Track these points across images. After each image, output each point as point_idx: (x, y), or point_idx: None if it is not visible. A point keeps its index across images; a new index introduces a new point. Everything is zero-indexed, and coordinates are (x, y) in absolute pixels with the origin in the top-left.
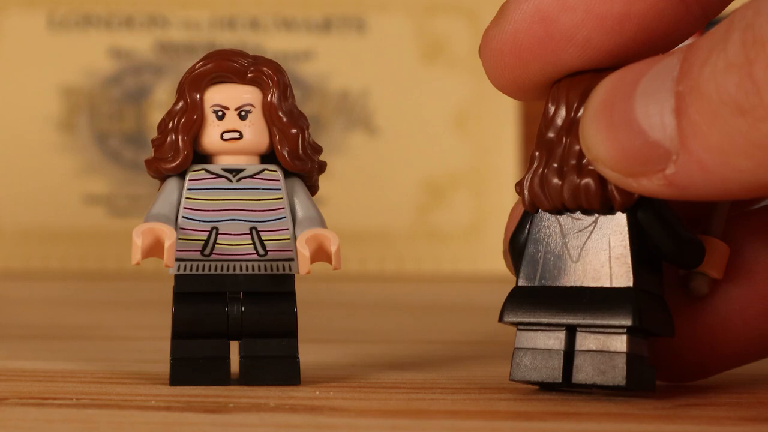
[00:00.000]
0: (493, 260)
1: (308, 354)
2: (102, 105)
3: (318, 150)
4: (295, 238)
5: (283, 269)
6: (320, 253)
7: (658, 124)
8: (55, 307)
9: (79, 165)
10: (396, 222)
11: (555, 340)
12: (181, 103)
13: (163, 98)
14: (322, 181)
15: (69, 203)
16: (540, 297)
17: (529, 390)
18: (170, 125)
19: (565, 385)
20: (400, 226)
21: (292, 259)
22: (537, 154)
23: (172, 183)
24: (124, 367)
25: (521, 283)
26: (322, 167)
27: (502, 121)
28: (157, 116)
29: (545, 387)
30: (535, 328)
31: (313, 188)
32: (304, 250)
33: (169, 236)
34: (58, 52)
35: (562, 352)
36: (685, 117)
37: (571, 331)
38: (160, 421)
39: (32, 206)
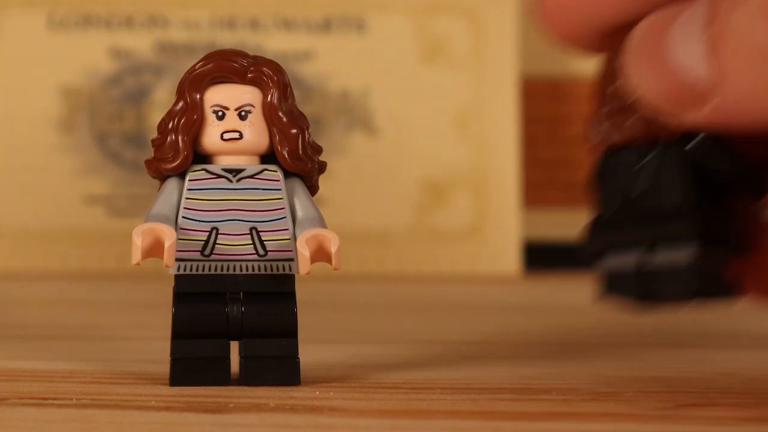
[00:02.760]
0: (493, 260)
1: (308, 354)
2: (102, 105)
3: (318, 150)
4: (295, 238)
5: (283, 269)
6: (320, 254)
7: (693, 67)
8: (55, 307)
9: (79, 165)
10: (396, 222)
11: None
12: (181, 103)
13: (163, 98)
14: (322, 181)
15: (69, 203)
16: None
17: (529, 390)
18: (170, 125)
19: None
20: (400, 226)
21: (292, 259)
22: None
23: (172, 183)
24: (124, 367)
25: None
26: (322, 167)
27: (502, 121)
28: (157, 116)
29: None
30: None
31: (313, 188)
32: (304, 251)
33: (169, 236)
34: (58, 52)
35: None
36: (720, 59)
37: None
38: (160, 421)
39: (32, 206)
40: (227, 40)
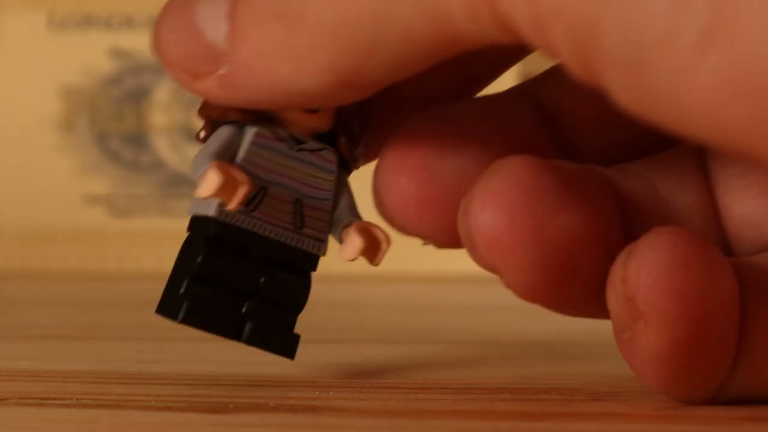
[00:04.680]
0: None
1: (308, 354)
2: (102, 105)
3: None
4: (332, 223)
5: (312, 248)
6: (368, 248)
7: (213, 27)
8: (55, 307)
9: (79, 165)
10: None
11: None
12: None
13: (163, 98)
14: None
15: (69, 203)
16: None
17: (529, 390)
18: None
19: None
20: None
21: (323, 241)
22: None
23: (228, 131)
24: (124, 367)
25: None
26: (358, 166)
27: None
28: (157, 116)
29: None
30: None
31: None
32: (358, 238)
33: (245, 181)
34: (58, 52)
35: None
36: (235, 20)
37: None
38: (160, 421)
39: (32, 206)
40: None
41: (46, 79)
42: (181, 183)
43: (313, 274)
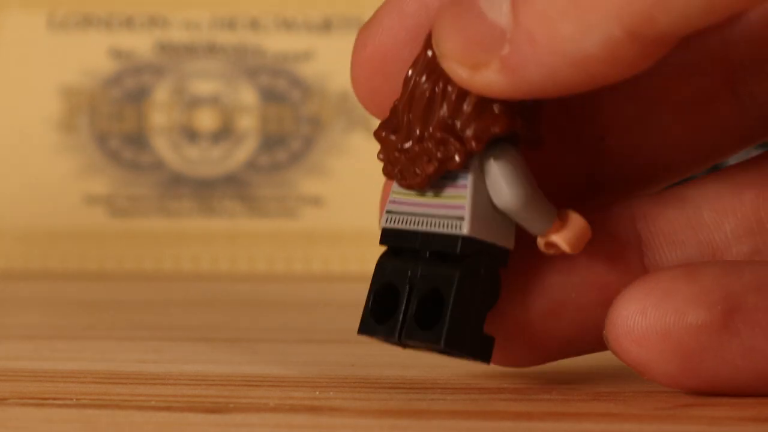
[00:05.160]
0: None
1: (308, 354)
2: (102, 105)
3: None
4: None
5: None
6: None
7: (496, 6)
8: (55, 307)
9: (79, 165)
10: None
11: None
12: None
13: (163, 98)
14: (321, 180)
15: (69, 203)
16: None
17: (529, 390)
18: None
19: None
20: None
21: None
22: None
23: (516, 152)
24: (124, 367)
25: None
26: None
27: None
28: (157, 116)
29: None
30: None
31: None
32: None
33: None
34: (58, 52)
35: None
36: (515, 7)
37: None
38: (160, 421)
39: (32, 206)
40: (227, 40)
41: (46, 79)
42: (181, 183)
43: (311, 274)
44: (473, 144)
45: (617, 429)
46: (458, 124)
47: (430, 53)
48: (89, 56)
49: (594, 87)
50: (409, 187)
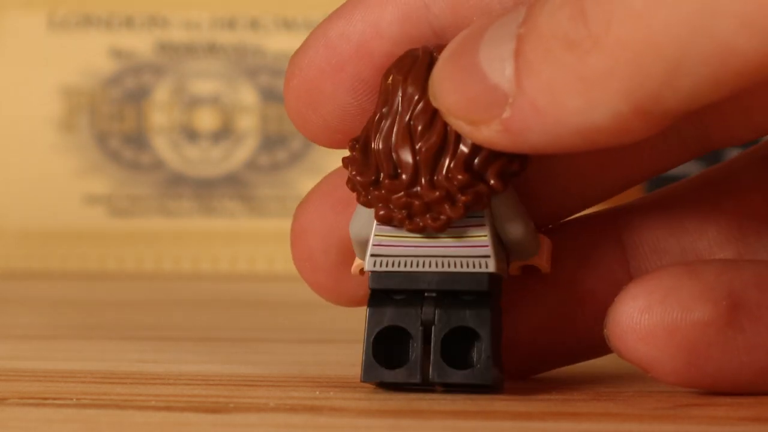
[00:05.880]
0: None
1: (308, 354)
2: (102, 105)
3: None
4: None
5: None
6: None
7: (498, 68)
8: (55, 307)
9: (79, 165)
10: None
11: None
12: None
13: (163, 98)
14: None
15: (69, 203)
16: None
17: (529, 390)
18: None
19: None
20: None
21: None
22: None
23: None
24: (124, 367)
25: None
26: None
27: None
28: (157, 116)
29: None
30: None
31: None
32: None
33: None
34: (58, 52)
35: None
36: (521, 57)
37: None
38: (160, 421)
39: (32, 206)
40: (227, 40)
41: (46, 79)
42: (181, 183)
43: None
44: (498, 183)
45: (617, 429)
46: (477, 167)
47: (416, 97)
48: (89, 56)
49: (594, 150)
50: (421, 230)
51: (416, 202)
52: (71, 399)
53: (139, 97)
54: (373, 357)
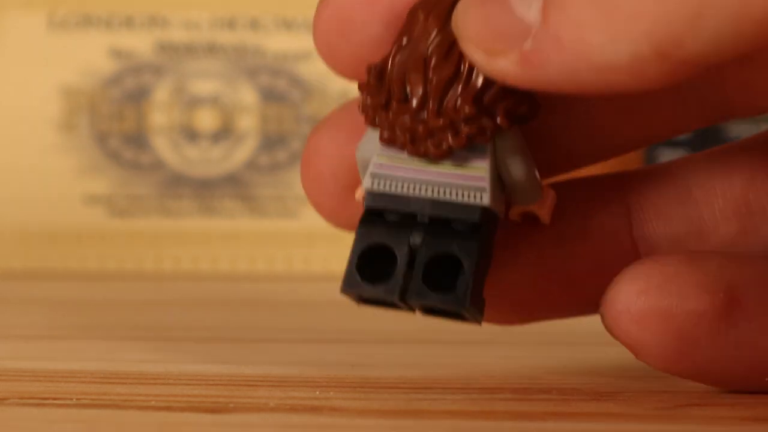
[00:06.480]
0: None
1: (308, 354)
2: (102, 105)
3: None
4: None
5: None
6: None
7: (526, 1)
8: (55, 307)
9: (79, 165)
10: None
11: None
12: None
13: (163, 98)
14: None
15: (69, 203)
16: None
17: (529, 390)
18: None
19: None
20: None
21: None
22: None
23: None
24: (124, 367)
25: None
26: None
27: None
28: (157, 116)
29: None
30: None
31: None
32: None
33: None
34: (58, 52)
35: None
36: None
37: None
38: (160, 421)
39: (32, 206)
40: (227, 40)
41: (46, 79)
42: (181, 183)
43: (311, 274)
44: (504, 121)
45: (617, 429)
46: (486, 102)
47: (436, 31)
48: (89, 56)
49: (610, 94)
50: (422, 155)
51: (420, 128)
52: (71, 399)
53: (139, 97)
54: (356, 270)
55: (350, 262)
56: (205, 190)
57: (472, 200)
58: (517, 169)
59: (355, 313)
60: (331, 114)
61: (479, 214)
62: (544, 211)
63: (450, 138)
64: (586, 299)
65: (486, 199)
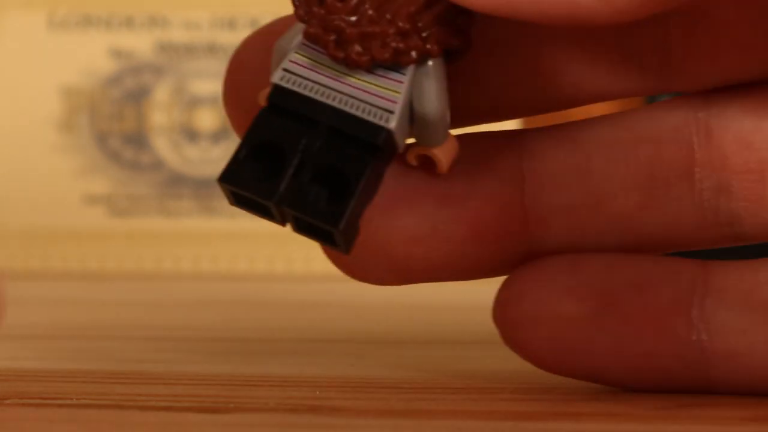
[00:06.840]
0: None
1: (308, 354)
2: (102, 105)
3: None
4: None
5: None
6: None
7: None
8: (56, 307)
9: (79, 165)
10: None
11: None
12: None
13: (163, 98)
14: None
15: (69, 203)
16: None
17: (529, 390)
18: None
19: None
20: None
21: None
22: None
23: None
24: (124, 367)
25: None
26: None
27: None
28: (157, 116)
29: None
30: None
31: None
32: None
33: None
34: (58, 52)
35: None
36: None
37: None
38: (160, 421)
39: (32, 206)
40: (227, 40)
41: (46, 79)
42: (181, 183)
43: (312, 275)
44: (434, 48)
45: (618, 429)
46: (420, 24)
47: None
48: (89, 56)
49: (575, 25)
50: (342, 61)
51: (349, 30)
52: (71, 399)
53: (139, 97)
54: (242, 162)
55: (236, 153)
56: (205, 190)
57: (377, 120)
58: (431, 102)
59: (355, 313)
60: (262, 28)
61: (382, 137)
62: (443, 156)
63: (376, 48)
64: (468, 267)
65: (392, 122)
